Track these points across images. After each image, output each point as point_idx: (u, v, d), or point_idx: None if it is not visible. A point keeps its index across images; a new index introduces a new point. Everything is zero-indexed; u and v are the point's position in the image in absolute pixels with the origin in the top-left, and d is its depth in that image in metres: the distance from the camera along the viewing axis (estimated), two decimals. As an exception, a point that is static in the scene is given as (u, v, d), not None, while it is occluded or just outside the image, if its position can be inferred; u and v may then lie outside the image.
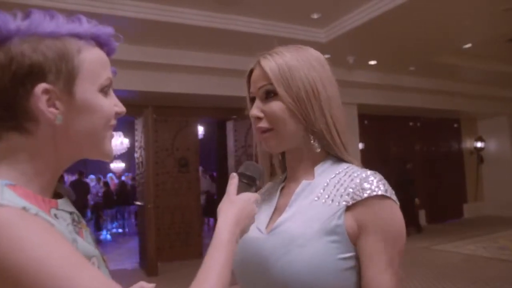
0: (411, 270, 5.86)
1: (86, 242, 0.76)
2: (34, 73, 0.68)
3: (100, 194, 12.19)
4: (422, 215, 10.24)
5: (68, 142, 0.74)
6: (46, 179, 0.75)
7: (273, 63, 1.00)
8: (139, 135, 7.23)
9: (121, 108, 0.81)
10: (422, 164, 10.54)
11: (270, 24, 5.56)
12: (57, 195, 0.80)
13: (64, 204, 0.78)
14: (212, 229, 10.98)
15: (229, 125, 8.12)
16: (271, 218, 1.04)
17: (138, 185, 7.56)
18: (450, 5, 4.91)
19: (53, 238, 0.63)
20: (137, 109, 6.71)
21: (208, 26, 5.28)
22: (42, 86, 0.68)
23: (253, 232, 1.01)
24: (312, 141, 1.01)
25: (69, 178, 11.72)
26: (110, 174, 14.48)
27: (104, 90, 0.77)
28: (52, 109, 0.70)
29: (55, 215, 0.72)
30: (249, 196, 0.93)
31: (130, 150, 12.41)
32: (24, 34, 0.69)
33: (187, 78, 6.46)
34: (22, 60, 0.67)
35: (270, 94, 1.00)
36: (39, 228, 0.62)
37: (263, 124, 1.02)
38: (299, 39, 5.64)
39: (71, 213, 0.78)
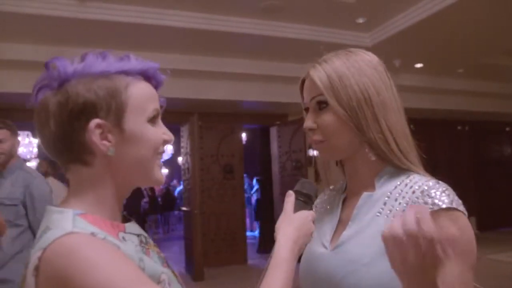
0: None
1: (152, 261, 0.81)
2: (88, 110, 0.76)
3: (146, 200, 12.48)
4: (472, 222, 9.86)
5: (122, 172, 0.81)
6: (111, 205, 0.82)
7: (322, 73, 0.99)
8: (184, 142, 7.37)
9: (169, 136, 0.86)
10: (471, 169, 10.18)
11: (315, 29, 5.55)
12: (126, 219, 0.88)
13: (131, 227, 0.85)
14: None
15: (273, 131, 8.12)
16: (335, 232, 1.03)
17: (185, 191, 7.69)
18: (501, 3, 4.74)
19: (118, 259, 0.69)
20: (183, 116, 6.88)
21: (253, 33, 5.33)
22: (95, 121, 0.76)
23: (318, 247, 1.01)
24: (367, 150, 0.99)
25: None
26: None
27: (152, 121, 0.83)
28: (104, 142, 0.77)
29: (123, 238, 0.78)
30: (306, 214, 0.94)
31: (174, 156, 12.67)
32: (80, 76, 0.77)
33: (232, 85, 6.54)
34: (77, 99, 0.75)
35: (322, 105, 1.00)
36: (106, 251, 0.68)
37: (317, 136, 1.02)
38: (344, 43, 5.58)
39: (138, 235, 0.85)
